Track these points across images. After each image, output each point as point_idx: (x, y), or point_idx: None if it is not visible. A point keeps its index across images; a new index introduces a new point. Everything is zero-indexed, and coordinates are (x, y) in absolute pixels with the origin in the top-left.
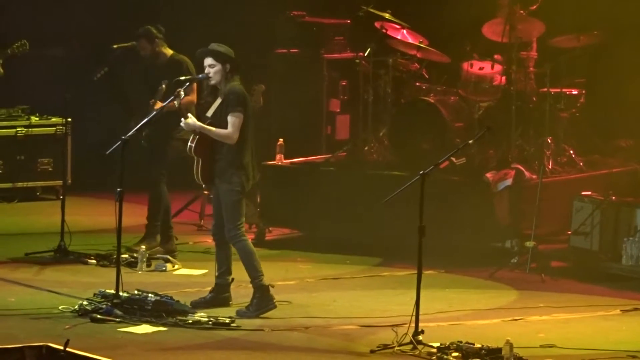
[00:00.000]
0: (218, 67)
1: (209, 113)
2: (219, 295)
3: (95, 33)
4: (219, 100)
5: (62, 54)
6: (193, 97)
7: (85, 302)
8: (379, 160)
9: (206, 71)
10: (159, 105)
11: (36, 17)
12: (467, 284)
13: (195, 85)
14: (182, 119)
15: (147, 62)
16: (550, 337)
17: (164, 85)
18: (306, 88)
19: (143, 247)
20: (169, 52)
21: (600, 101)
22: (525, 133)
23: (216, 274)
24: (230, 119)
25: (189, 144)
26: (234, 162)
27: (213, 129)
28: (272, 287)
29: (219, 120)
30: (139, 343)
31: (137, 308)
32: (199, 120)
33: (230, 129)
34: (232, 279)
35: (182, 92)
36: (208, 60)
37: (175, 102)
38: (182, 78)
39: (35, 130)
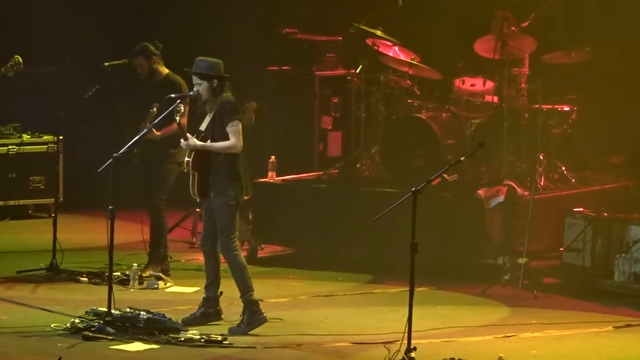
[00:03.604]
0: (205, 84)
1: (202, 127)
2: (208, 310)
3: (87, 50)
4: (210, 115)
5: (54, 71)
6: (185, 119)
7: (77, 320)
8: (371, 177)
9: (195, 89)
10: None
11: (28, 35)
12: (460, 300)
13: (187, 108)
14: (182, 140)
15: (142, 79)
16: (542, 354)
17: (155, 109)
18: (298, 105)
19: (135, 265)
20: (165, 71)
21: (592, 117)
22: (517, 150)
23: (204, 285)
24: (229, 129)
25: (186, 158)
26: (229, 174)
27: (215, 144)
28: (261, 301)
29: (212, 133)
30: None
31: (129, 326)
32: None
33: (232, 138)
34: (221, 293)
35: (181, 107)
36: (195, 79)
37: (176, 117)
38: (173, 96)
39: (27, 148)
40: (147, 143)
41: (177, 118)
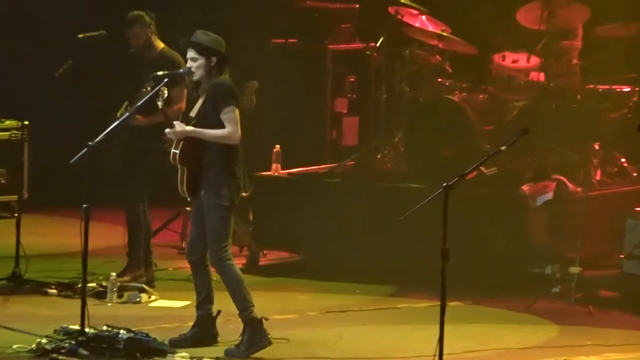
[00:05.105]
0: (201, 60)
1: (193, 113)
2: (203, 331)
3: (57, 23)
4: (202, 99)
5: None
6: (182, 104)
7: (44, 340)
8: (394, 171)
9: (188, 64)
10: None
11: None
12: (499, 317)
13: (184, 90)
14: (168, 129)
15: (131, 53)
16: None
17: (149, 88)
18: (307, 85)
19: (113, 274)
20: (160, 45)
21: None
22: (568, 138)
23: (195, 303)
24: (224, 116)
25: (173, 150)
26: (224, 169)
27: (209, 130)
28: (266, 320)
29: (204, 120)
30: None
31: (106, 347)
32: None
33: (228, 126)
34: (219, 312)
35: (165, 91)
36: (190, 53)
37: (159, 103)
38: (160, 73)
39: None
40: (134, 130)
41: (160, 103)
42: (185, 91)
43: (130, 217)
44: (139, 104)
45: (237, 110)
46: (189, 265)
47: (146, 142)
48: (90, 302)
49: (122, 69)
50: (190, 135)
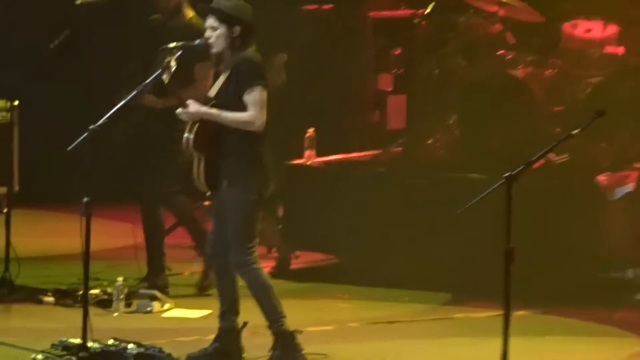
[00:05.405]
0: (222, 29)
1: (212, 92)
2: (226, 346)
3: None
4: (224, 76)
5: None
6: (206, 82)
7: (40, 356)
8: (447, 158)
9: (207, 34)
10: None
11: None
12: (574, 329)
13: (211, 69)
14: (180, 109)
15: (153, 21)
16: None
17: (169, 58)
18: (345, 59)
19: (120, 279)
20: (190, 13)
21: None
22: None
23: (217, 313)
24: (248, 97)
25: (186, 135)
26: (249, 158)
27: (228, 113)
28: (299, 332)
29: (225, 101)
30: None
31: None
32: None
33: (251, 110)
34: (245, 324)
35: (172, 63)
36: (210, 20)
37: (164, 76)
38: (171, 45)
39: None
40: (147, 112)
41: (166, 76)
42: (212, 70)
43: (174, 211)
44: (147, 81)
45: (264, 92)
46: None
47: (160, 126)
48: (93, 311)
49: (133, 39)
50: (206, 117)
